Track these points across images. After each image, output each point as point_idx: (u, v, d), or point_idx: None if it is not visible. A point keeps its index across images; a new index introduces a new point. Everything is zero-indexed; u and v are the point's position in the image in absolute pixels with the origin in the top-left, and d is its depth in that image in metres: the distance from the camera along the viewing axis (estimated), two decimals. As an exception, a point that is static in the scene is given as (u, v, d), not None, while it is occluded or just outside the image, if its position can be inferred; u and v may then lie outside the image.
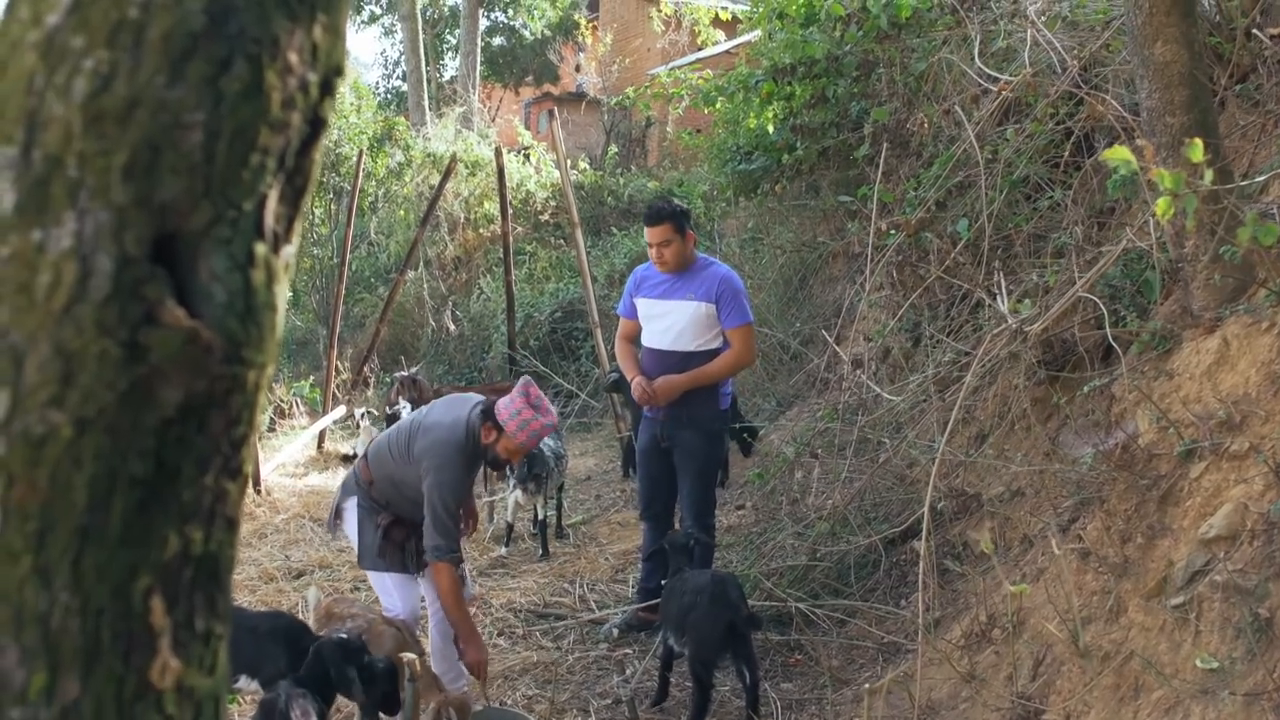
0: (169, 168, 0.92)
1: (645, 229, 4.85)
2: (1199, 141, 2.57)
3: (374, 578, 4.27)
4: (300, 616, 4.86)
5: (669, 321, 4.81)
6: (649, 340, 4.90)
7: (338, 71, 1.06)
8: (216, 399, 0.98)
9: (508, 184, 10.74)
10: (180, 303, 0.94)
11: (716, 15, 13.94)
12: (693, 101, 7.69)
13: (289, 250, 1.05)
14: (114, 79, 0.90)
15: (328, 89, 1.04)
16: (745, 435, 6.93)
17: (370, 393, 11.39)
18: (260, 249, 0.99)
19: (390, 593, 4.17)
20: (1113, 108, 4.59)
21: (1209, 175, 2.58)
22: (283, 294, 1.05)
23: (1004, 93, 4.79)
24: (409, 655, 3.67)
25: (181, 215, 0.93)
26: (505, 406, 3.95)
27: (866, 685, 2.16)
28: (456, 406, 4.13)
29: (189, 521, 1.00)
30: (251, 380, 1.01)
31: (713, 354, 4.83)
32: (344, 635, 3.71)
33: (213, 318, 0.96)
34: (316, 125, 1.04)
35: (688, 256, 4.85)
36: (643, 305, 4.93)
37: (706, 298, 4.78)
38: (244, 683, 3.96)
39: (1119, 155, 2.65)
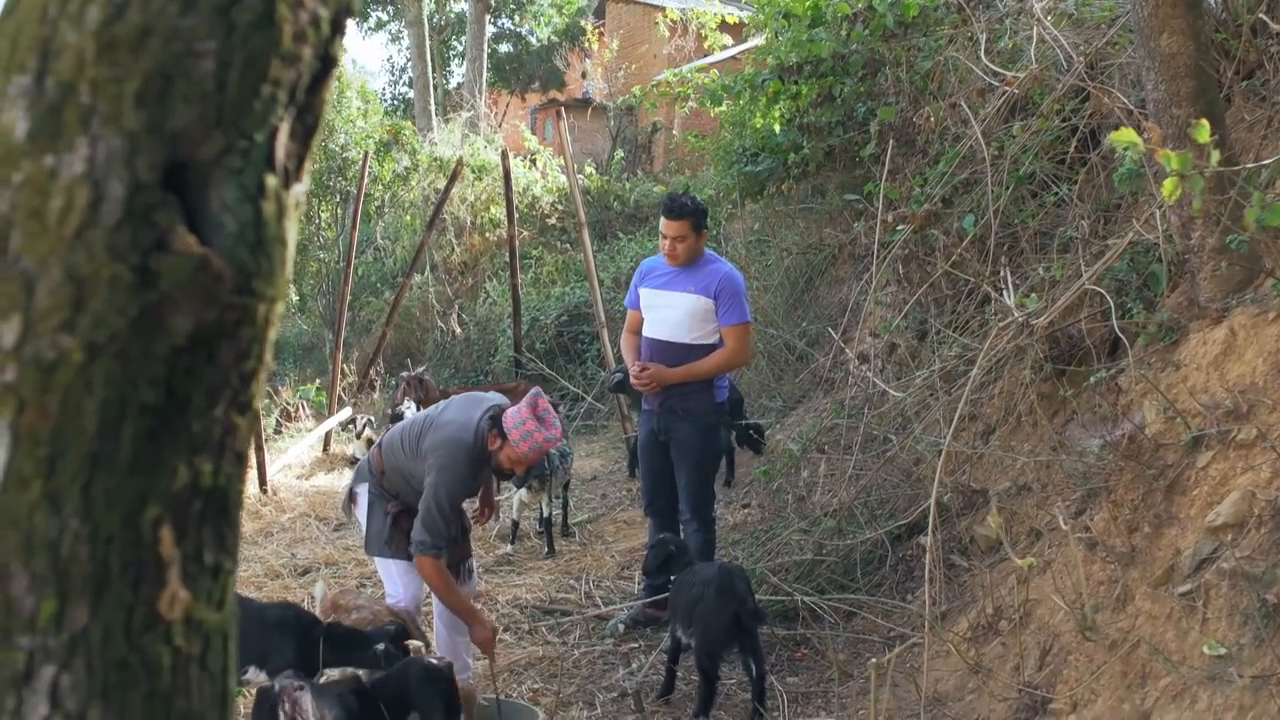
0: (181, 96, 0.93)
1: (663, 219, 4.86)
2: (1205, 122, 2.57)
3: (380, 564, 4.30)
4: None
5: (668, 313, 4.85)
6: (648, 330, 4.94)
7: (348, 11, 1.07)
8: (227, 330, 0.99)
9: (514, 189, 10.78)
10: (191, 232, 0.95)
11: (723, 20, 13.98)
12: (698, 101, 7.71)
13: (299, 189, 1.06)
14: (127, 7, 0.91)
15: (338, 27, 1.05)
16: (751, 433, 6.92)
17: (376, 396, 11.40)
18: (271, 181, 0.99)
19: (395, 579, 4.18)
20: (1119, 100, 4.60)
21: (1215, 156, 2.58)
22: (293, 231, 1.05)
23: (1010, 88, 4.79)
24: (414, 643, 3.67)
25: (193, 144, 0.94)
26: (512, 416, 3.97)
27: (873, 660, 2.15)
28: (470, 407, 4.14)
29: (198, 453, 1.00)
30: (262, 313, 1.02)
31: (709, 349, 4.86)
32: (434, 661, 3.68)
33: (223, 247, 0.96)
34: (327, 63, 1.04)
35: (697, 253, 4.89)
36: (645, 295, 4.98)
37: (705, 292, 4.81)
38: (252, 674, 3.96)
39: (1126, 137, 2.65)
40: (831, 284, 8.83)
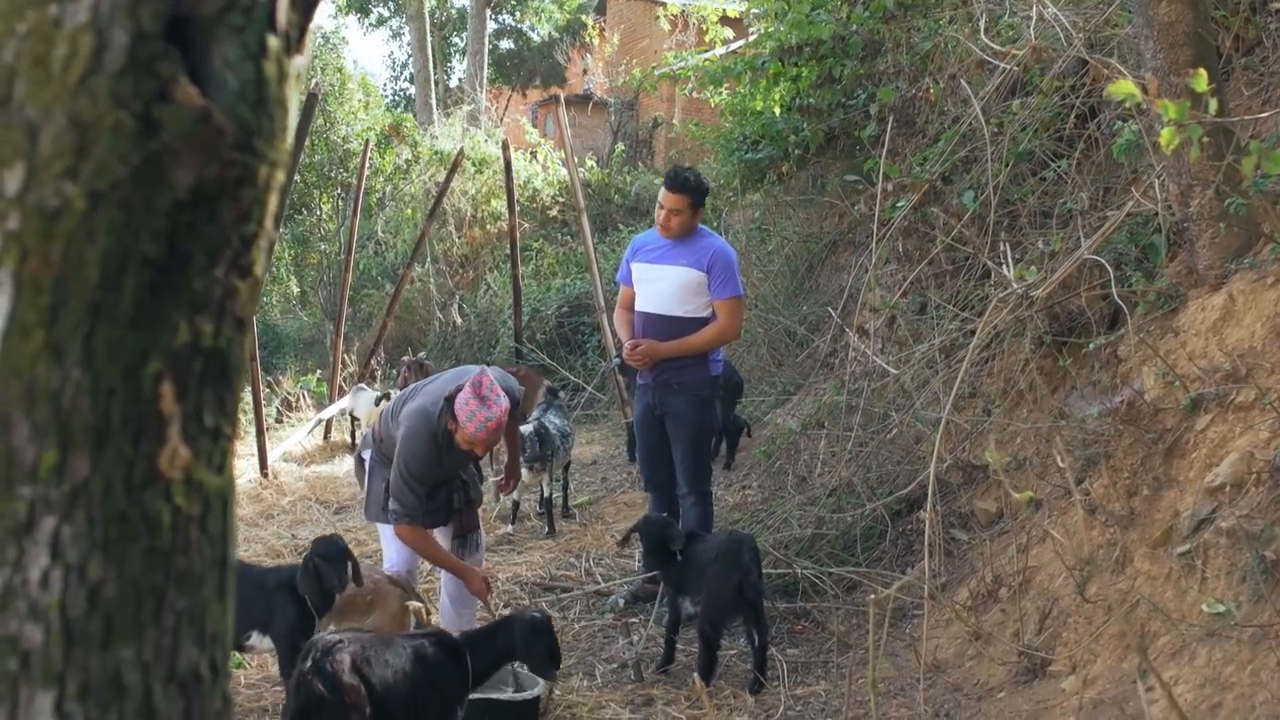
0: (183, -52, 0.94)
1: (663, 189, 4.87)
2: (1203, 71, 2.58)
3: (380, 529, 4.34)
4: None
5: (660, 285, 4.86)
6: (640, 304, 4.95)
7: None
8: (228, 188, 1.00)
9: (515, 181, 10.80)
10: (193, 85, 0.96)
11: (724, 13, 13.98)
12: (699, 83, 7.73)
13: (300, 61, 1.07)
14: None
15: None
16: (735, 427, 6.99)
17: (378, 385, 11.41)
18: (273, 43, 1.00)
19: (391, 545, 4.22)
20: (1118, 71, 4.59)
21: (1213, 105, 2.58)
22: (294, 98, 1.06)
23: (1011, 56, 4.79)
24: (415, 604, 3.68)
25: (195, -3, 0.95)
26: (458, 399, 3.92)
27: (872, 597, 2.16)
28: (451, 383, 4.13)
29: (199, 312, 1.01)
30: (263, 175, 1.02)
31: (701, 322, 4.87)
32: (536, 615, 3.73)
33: (225, 103, 0.97)
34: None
35: (690, 229, 4.90)
36: (638, 269, 4.99)
37: (698, 266, 4.82)
38: (255, 639, 3.96)
39: (1124, 90, 2.66)
40: (832, 271, 8.84)
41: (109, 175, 0.93)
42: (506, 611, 5.01)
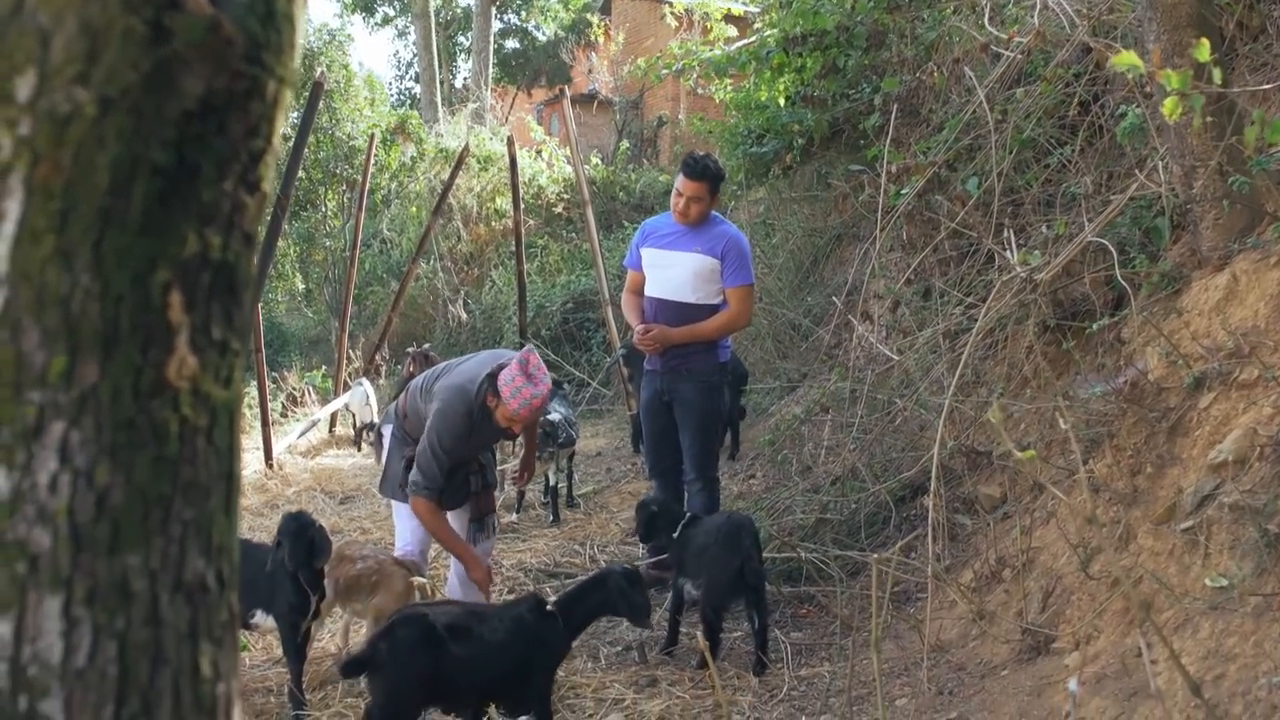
0: None
1: (681, 177, 4.85)
2: (1205, 41, 2.59)
3: (394, 508, 4.34)
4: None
5: (672, 272, 4.85)
6: (652, 289, 4.93)
7: None
8: (236, 100, 1.01)
9: (520, 178, 10.81)
10: (202, -3, 0.97)
11: (729, 12, 13.99)
12: (704, 73, 7.74)
13: (306, -18, 1.08)
14: None
15: None
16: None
17: (382, 381, 11.43)
18: (280, -43, 1.02)
19: (405, 524, 4.22)
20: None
21: (1217, 74, 2.59)
22: (301, 19, 1.08)
23: (1014, 40, 4.79)
24: (420, 579, 3.69)
25: (203, -93, 0.96)
26: (504, 375, 4.01)
27: (875, 556, 2.16)
28: (487, 363, 4.18)
29: (208, 224, 1.02)
30: (271, 90, 1.04)
31: (713, 309, 4.86)
32: (626, 567, 3.82)
33: (234, 15, 0.99)
34: None
35: (705, 215, 4.89)
36: (649, 255, 4.97)
37: (712, 253, 4.81)
38: (260, 618, 3.97)
39: (1127, 60, 2.67)
40: (836, 265, 8.85)
41: (119, 81, 0.94)
42: (511, 596, 5.04)
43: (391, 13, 24.62)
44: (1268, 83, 4.79)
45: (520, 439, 4.95)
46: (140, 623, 1.01)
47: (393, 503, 4.37)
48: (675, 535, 4.52)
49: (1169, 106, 2.61)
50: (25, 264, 0.95)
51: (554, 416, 6.36)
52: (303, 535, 3.81)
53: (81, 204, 0.95)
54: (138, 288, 0.98)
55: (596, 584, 3.66)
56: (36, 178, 0.94)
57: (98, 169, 0.95)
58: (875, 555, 2.19)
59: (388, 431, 4.40)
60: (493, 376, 4.06)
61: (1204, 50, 2.57)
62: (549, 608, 3.49)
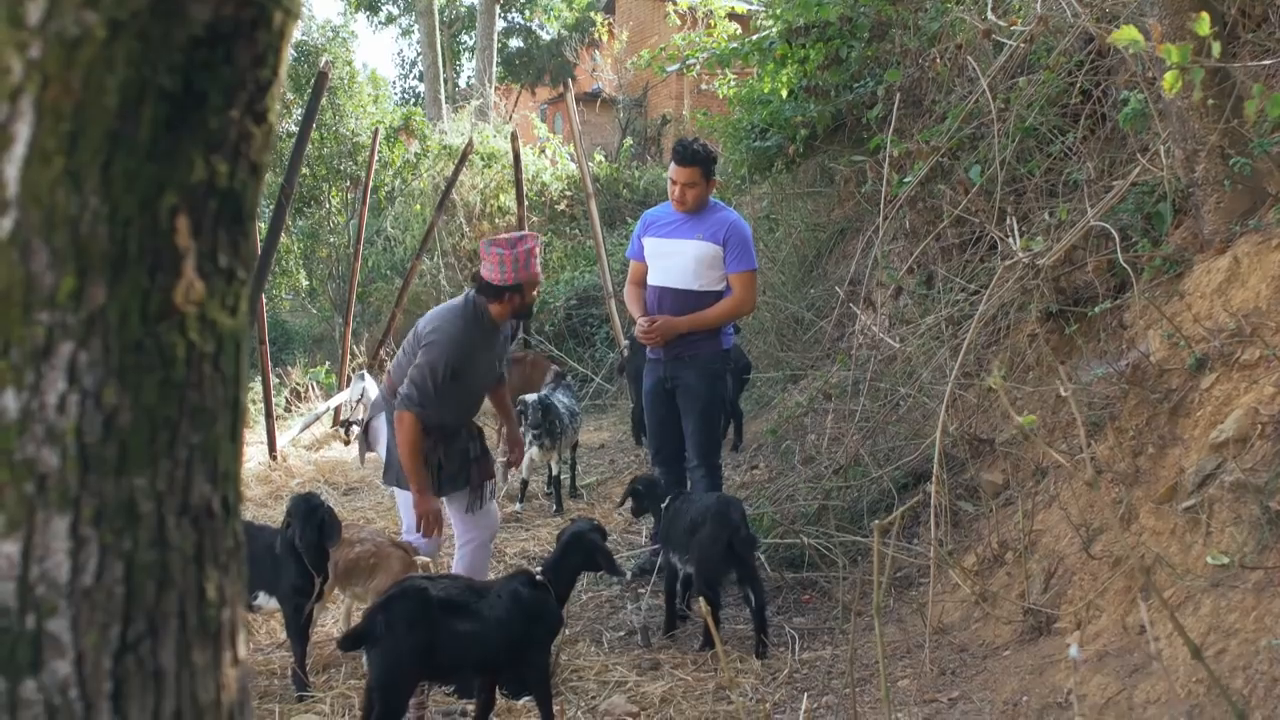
0: None
1: (673, 165, 4.86)
2: (1205, 15, 2.59)
3: (398, 496, 4.32)
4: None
5: (675, 260, 4.84)
6: (654, 278, 4.93)
7: None
8: (243, 29, 1.02)
9: (524, 175, 10.83)
10: (208, -76, 0.98)
11: (733, 10, 14.02)
12: (707, 65, 7.76)
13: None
14: None
15: None
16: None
17: (385, 377, 11.45)
18: (285, -114, 1.03)
19: (410, 512, 4.19)
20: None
21: (1216, 48, 2.60)
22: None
23: (1016, 25, 4.80)
24: (422, 559, 3.70)
25: None
26: (504, 270, 4.03)
27: (876, 523, 2.17)
28: (446, 309, 4.23)
29: (215, 151, 1.03)
30: (277, 20, 1.05)
31: (716, 295, 4.86)
32: (592, 520, 3.92)
33: (240, -57, 1.00)
34: None
35: (705, 201, 4.89)
36: (650, 244, 4.97)
37: (714, 239, 4.81)
38: (263, 599, 3.99)
39: (1127, 35, 2.68)
40: (839, 259, 8.86)
41: (128, 5, 0.96)
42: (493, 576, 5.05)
43: (395, 11, 24.69)
44: (1270, 70, 4.80)
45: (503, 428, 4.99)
46: (147, 544, 1.02)
47: (396, 491, 4.35)
48: (664, 507, 4.55)
49: (1169, 81, 2.62)
50: (35, 186, 0.96)
51: (556, 404, 6.38)
52: (313, 516, 3.83)
53: (90, 127, 0.96)
54: (146, 211, 0.99)
55: (574, 544, 3.68)
56: (46, 100, 0.96)
57: (106, 92, 0.96)
58: (875, 521, 2.20)
59: (381, 422, 4.37)
60: (483, 289, 4.10)
61: (1203, 24, 2.58)
62: (539, 578, 3.51)
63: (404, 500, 4.25)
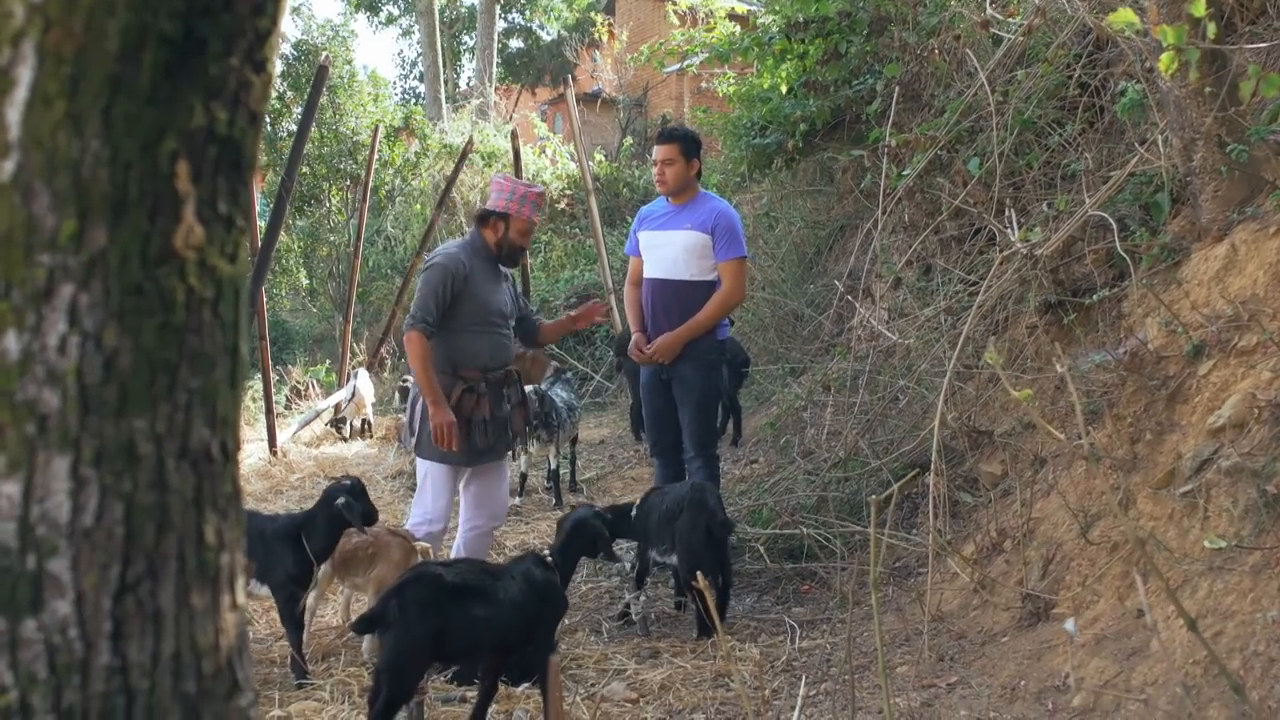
0: None
1: (655, 147, 4.98)
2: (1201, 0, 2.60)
3: (420, 475, 4.30)
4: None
5: (666, 250, 4.89)
6: (649, 270, 4.98)
7: None
8: (241, -24, 1.03)
9: (524, 175, 10.84)
10: None
11: (733, 10, 14.05)
12: (707, 60, 7.78)
13: None
14: None
15: None
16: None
17: (386, 374, 11.46)
18: None
19: (428, 495, 4.18)
20: (1122, 34, 4.62)
21: (1211, 29, 2.61)
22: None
23: (1014, 16, 4.82)
24: (423, 544, 3.71)
25: None
26: (499, 196, 4.26)
27: (874, 497, 2.17)
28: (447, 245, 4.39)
29: (214, 98, 1.05)
30: (275, -31, 1.06)
31: (708, 285, 4.88)
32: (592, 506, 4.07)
33: (239, -110, 1.01)
34: None
35: (688, 183, 4.92)
36: (644, 238, 5.03)
37: (702, 228, 4.85)
38: (254, 587, 3.99)
39: (1123, 18, 2.69)
40: (838, 256, 8.87)
41: (128, -51, 0.97)
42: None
43: (395, 11, 24.71)
44: (1270, 64, 4.81)
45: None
46: (146, 486, 1.03)
47: (420, 470, 4.29)
48: (634, 511, 4.52)
49: (1165, 62, 2.63)
50: (37, 128, 0.98)
51: (554, 398, 6.39)
52: (365, 495, 3.88)
53: (92, 70, 0.98)
54: (146, 156, 1.01)
55: (579, 530, 3.74)
56: (48, 44, 0.97)
57: (107, 36, 0.97)
58: (873, 497, 2.20)
59: (420, 404, 4.25)
60: (482, 217, 4.30)
61: (1199, 4, 2.59)
62: (549, 559, 3.53)
63: (422, 483, 4.23)
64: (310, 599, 4.36)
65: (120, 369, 1.01)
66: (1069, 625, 2.11)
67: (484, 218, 4.27)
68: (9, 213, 0.98)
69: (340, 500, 3.86)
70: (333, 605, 4.74)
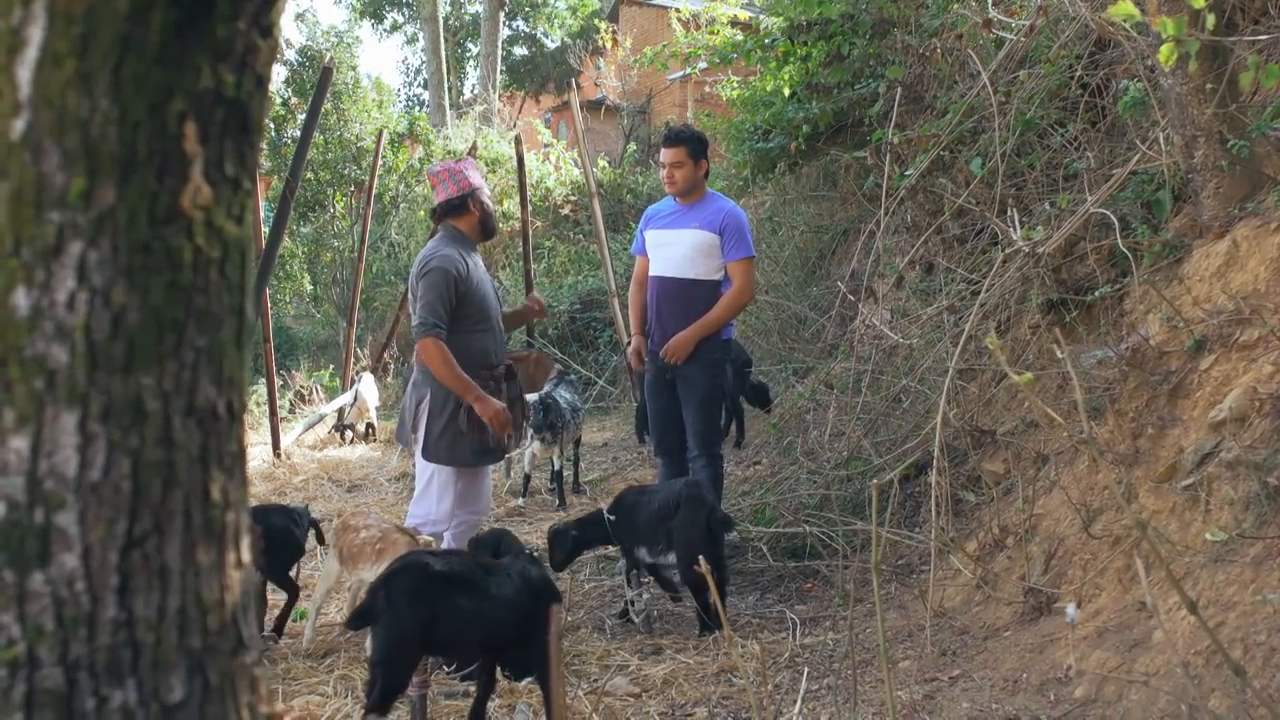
0: None
1: (661, 150, 4.96)
2: (1202, -8, 2.62)
3: (423, 478, 4.27)
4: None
5: (673, 249, 4.90)
6: (655, 269, 4.99)
7: None
8: (249, -61, 1.05)
9: (528, 181, 10.87)
10: None
11: (736, 17, 14.11)
12: (709, 60, 7.80)
13: None
14: None
15: None
16: (757, 391, 7.00)
17: (390, 379, 11.48)
18: None
19: (432, 497, 4.16)
20: (1124, 33, 4.63)
21: (1210, 20, 2.63)
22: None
23: (1017, 15, 4.84)
24: (425, 537, 3.71)
25: None
26: (453, 183, 4.30)
27: (874, 482, 2.18)
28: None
29: (222, 60, 1.06)
30: (281, -66, 1.08)
31: (714, 285, 4.90)
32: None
33: None
34: None
35: (697, 184, 4.94)
36: (652, 236, 5.04)
37: (711, 228, 4.86)
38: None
39: (1123, 10, 2.70)
40: (841, 261, 8.88)
41: (138, -90, 0.99)
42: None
43: (400, 19, 24.82)
44: (1274, 58, 4.82)
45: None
46: (153, 442, 1.05)
47: (421, 473, 4.28)
48: (612, 514, 4.49)
49: (1165, 54, 2.64)
50: (47, 87, 0.99)
51: (558, 400, 6.40)
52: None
53: (101, 30, 0.99)
54: (155, 115, 1.02)
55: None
56: (59, 3, 0.98)
57: (117, -5, 0.99)
58: (874, 481, 2.21)
59: (425, 396, 4.25)
60: (449, 209, 4.31)
61: (1199, -2, 2.60)
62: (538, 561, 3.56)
63: (426, 486, 4.22)
64: (318, 594, 4.38)
65: (128, 326, 1.02)
66: (1070, 610, 2.11)
67: (452, 209, 4.28)
68: (19, 170, 0.99)
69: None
70: (337, 604, 4.74)
